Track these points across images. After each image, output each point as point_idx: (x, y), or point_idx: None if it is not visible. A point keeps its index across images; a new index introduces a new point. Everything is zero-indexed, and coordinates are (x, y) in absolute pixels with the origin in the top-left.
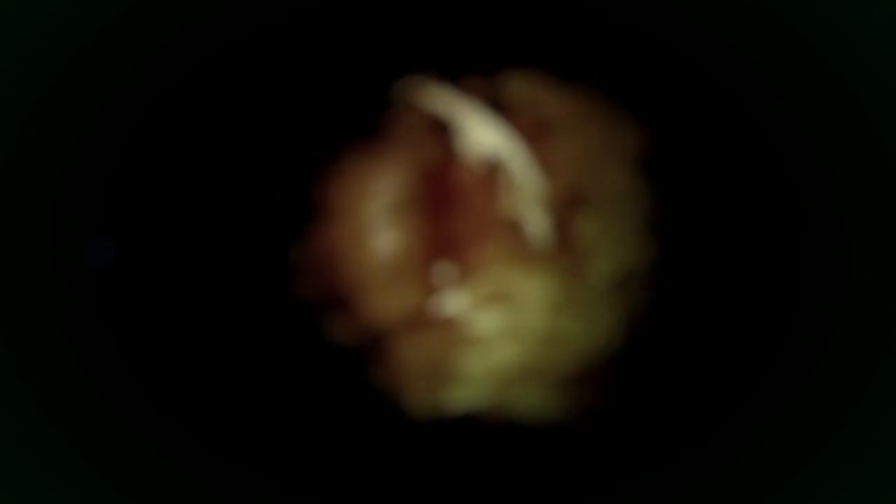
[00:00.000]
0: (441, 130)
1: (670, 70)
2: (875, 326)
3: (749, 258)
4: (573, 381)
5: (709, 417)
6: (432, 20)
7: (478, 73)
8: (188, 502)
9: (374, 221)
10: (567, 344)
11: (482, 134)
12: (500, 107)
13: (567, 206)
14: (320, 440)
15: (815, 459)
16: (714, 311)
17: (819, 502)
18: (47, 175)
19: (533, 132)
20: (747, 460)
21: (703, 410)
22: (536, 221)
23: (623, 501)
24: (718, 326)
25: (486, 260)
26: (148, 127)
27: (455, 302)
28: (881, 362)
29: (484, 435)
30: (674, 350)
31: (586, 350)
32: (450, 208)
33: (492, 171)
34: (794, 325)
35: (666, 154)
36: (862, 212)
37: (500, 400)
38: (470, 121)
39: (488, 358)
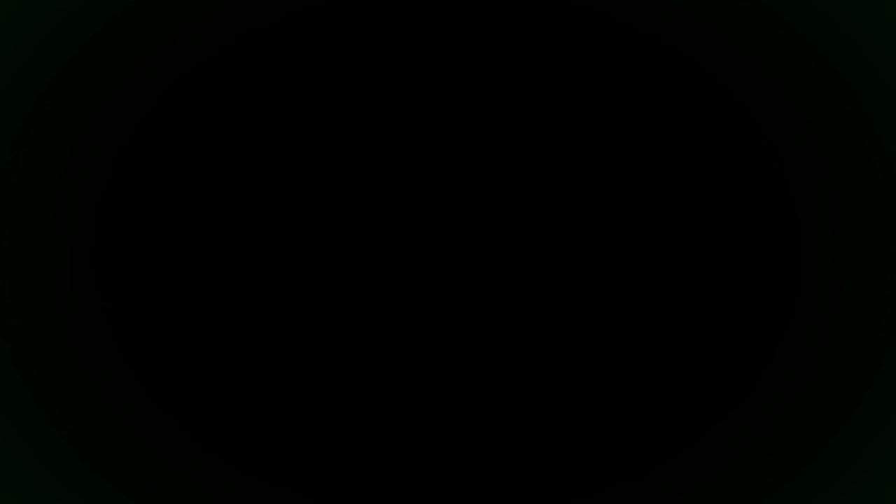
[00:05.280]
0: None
1: (670, 70)
2: (875, 326)
3: (749, 258)
4: None
5: (709, 417)
6: (430, 22)
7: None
8: (188, 502)
9: None
10: None
11: None
12: None
13: None
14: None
15: (815, 459)
16: (714, 311)
17: (819, 502)
18: (47, 175)
19: None
20: (747, 460)
21: (702, 410)
22: None
23: (623, 501)
24: (718, 326)
25: None
26: (148, 127)
27: None
28: (881, 362)
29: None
30: (674, 350)
31: None
32: None
33: None
34: (794, 325)
35: (665, 154)
36: (862, 212)
37: None
38: None
39: None
